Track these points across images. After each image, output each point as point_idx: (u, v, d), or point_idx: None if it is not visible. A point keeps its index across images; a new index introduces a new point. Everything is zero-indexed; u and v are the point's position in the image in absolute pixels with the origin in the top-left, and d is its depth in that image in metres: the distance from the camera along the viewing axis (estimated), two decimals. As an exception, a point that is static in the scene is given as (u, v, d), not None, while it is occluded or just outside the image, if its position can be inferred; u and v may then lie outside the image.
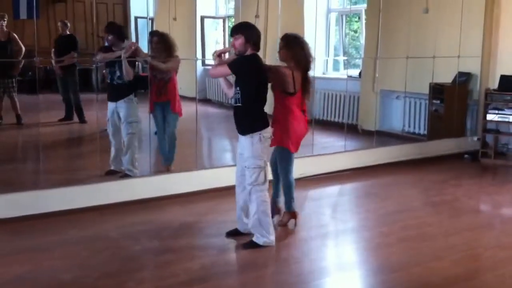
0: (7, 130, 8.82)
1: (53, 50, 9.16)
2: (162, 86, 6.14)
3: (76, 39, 9.36)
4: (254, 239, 4.44)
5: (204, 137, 9.04)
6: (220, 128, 10.31)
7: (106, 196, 5.31)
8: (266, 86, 4.44)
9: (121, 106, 5.96)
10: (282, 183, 4.84)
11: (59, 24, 9.52)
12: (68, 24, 9.48)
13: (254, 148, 4.32)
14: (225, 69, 4.33)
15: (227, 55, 4.56)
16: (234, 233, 4.64)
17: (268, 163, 4.62)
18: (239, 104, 4.35)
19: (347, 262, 4.34)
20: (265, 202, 4.40)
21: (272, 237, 4.44)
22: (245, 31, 4.31)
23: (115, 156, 6.14)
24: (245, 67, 4.31)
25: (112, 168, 6.14)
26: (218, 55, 4.48)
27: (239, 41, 4.28)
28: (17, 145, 8.31)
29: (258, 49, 4.38)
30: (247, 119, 4.35)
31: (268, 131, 4.39)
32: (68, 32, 9.41)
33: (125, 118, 5.97)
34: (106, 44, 6.18)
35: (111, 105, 6.05)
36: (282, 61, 4.74)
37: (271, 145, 4.57)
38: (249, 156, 4.34)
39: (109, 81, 6.02)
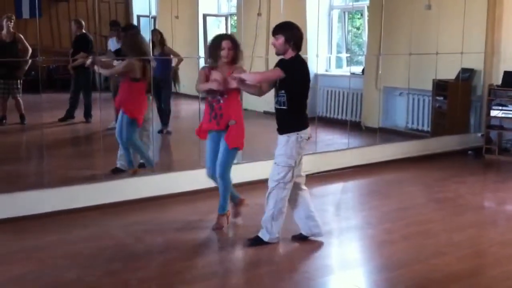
0: (10, 130, 8.84)
1: (71, 50, 9.12)
2: (116, 91, 6.06)
3: (87, 39, 9.22)
4: (260, 234, 4.46)
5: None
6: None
7: (110, 194, 5.31)
8: (308, 87, 4.43)
9: None
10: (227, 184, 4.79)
11: (72, 23, 9.46)
12: (83, 23, 9.36)
13: (288, 146, 4.31)
14: (277, 73, 4.30)
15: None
16: (298, 238, 4.60)
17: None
18: (284, 107, 4.33)
19: (351, 259, 4.34)
20: (283, 201, 4.40)
21: (278, 235, 4.46)
22: (285, 32, 4.31)
23: (122, 154, 6.14)
24: (292, 70, 4.29)
25: (118, 166, 6.14)
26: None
27: (279, 41, 4.30)
28: (20, 144, 8.32)
29: (299, 50, 4.36)
30: (290, 120, 4.36)
31: (306, 132, 4.38)
32: (83, 31, 9.31)
33: None
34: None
35: None
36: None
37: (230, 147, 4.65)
38: (281, 154, 4.34)
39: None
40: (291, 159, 4.32)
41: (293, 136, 4.31)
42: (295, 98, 4.32)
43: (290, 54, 4.32)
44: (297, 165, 4.40)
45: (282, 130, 4.38)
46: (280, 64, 4.36)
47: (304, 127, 4.37)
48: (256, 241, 4.44)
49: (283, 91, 4.31)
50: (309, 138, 4.43)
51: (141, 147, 6.00)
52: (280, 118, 4.39)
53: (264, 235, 4.44)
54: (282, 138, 4.36)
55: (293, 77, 4.29)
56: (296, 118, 4.37)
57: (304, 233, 4.55)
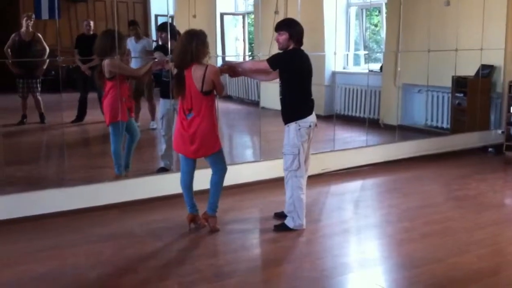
0: (31, 129, 8.95)
1: (77, 50, 9.09)
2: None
3: None
4: (286, 222, 4.66)
5: (225, 133, 9.06)
6: (241, 125, 10.33)
7: (130, 193, 5.35)
8: (305, 78, 4.59)
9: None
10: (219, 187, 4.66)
11: (84, 23, 9.51)
12: (92, 24, 9.47)
13: (290, 136, 4.56)
14: (264, 65, 4.59)
15: None
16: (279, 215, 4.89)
17: (300, 151, 4.58)
18: (281, 97, 4.62)
19: (370, 257, 4.32)
20: (299, 188, 4.60)
21: (303, 222, 4.64)
22: (289, 28, 4.54)
23: (166, 153, 6.17)
24: (282, 62, 4.54)
25: (163, 165, 6.19)
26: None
27: (283, 37, 4.52)
28: (41, 143, 8.42)
29: (301, 44, 4.58)
30: (287, 109, 4.60)
31: (306, 121, 4.55)
32: (91, 32, 9.40)
33: None
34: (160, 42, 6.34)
35: (167, 102, 6.03)
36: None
37: (205, 155, 4.56)
38: (285, 143, 4.60)
39: (165, 79, 6.00)
40: (294, 148, 4.55)
41: (292, 125, 4.55)
42: (289, 88, 4.56)
43: (290, 48, 4.56)
44: (302, 153, 4.57)
45: (283, 120, 4.63)
46: (270, 56, 4.62)
47: (303, 116, 4.56)
48: (282, 227, 4.64)
49: (280, 82, 4.60)
50: (310, 126, 4.58)
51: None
52: (281, 108, 4.66)
53: (289, 223, 4.65)
54: (285, 128, 4.61)
55: (281, 68, 4.54)
56: (294, 107, 4.58)
57: (285, 211, 4.77)
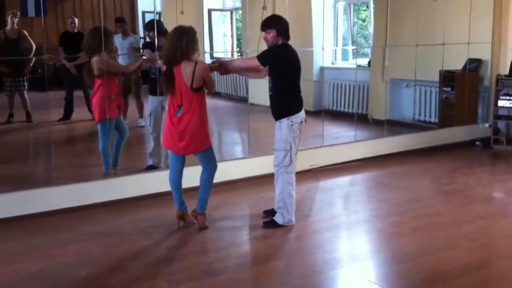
0: (17, 128, 8.87)
1: (62, 48, 9.00)
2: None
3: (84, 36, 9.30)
4: (275, 218, 4.66)
5: (213, 130, 9.03)
6: (230, 122, 10.30)
7: (118, 191, 5.32)
8: (295, 73, 4.59)
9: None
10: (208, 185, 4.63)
11: (69, 20, 9.42)
12: (76, 21, 9.40)
13: (282, 132, 4.55)
14: (254, 62, 4.59)
15: None
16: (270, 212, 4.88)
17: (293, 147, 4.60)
18: (271, 93, 4.59)
19: (360, 252, 4.33)
20: (290, 184, 4.62)
21: (292, 217, 4.66)
22: (276, 25, 4.55)
23: (154, 151, 6.13)
24: (272, 57, 4.54)
25: (151, 163, 6.16)
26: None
27: (272, 34, 4.52)
28: (28, 142, 8.35)
29: (288, 38, 4.59)
30: (278, 105, 4.59)
31: (297, 117, 4.56)
32: (76, 30, 9.31)
33: None
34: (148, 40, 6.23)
35: (155, 99, 6.01)
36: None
37: (195, 152, 4.55)
38: (277, 139, 4.59)
39: (153, 76, 5.97)
40: (286, 143, 4.56)
41: (284, 121, 4.55)
42: (280, 84, 4.56)
43: (279, 43, 4.57)
44: (293, 149, 4.58)
45: (274, 116, 4.62)
46: (260, 53, 4.62)
47: (295, 112, 4.56)
48: (271, 224, 4.65)
49: (269, 78, 4.59)
50: (301, 122, 4.60)
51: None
52: (271, 104, 4.64)
53: (278, 219, 4.65)
54: (277, 124, 4.60)
55: (271, 64, 4.54)
56: (286, 103, 4.57)
57: (275, 207, 4.76)
